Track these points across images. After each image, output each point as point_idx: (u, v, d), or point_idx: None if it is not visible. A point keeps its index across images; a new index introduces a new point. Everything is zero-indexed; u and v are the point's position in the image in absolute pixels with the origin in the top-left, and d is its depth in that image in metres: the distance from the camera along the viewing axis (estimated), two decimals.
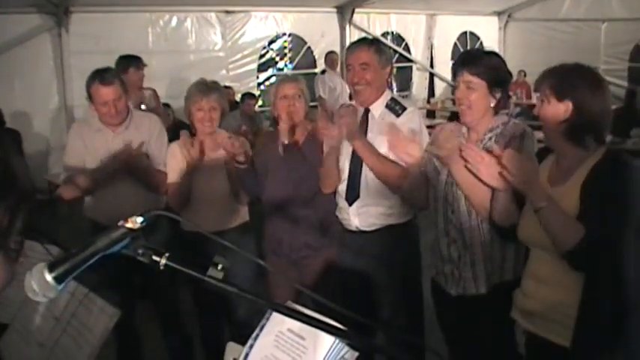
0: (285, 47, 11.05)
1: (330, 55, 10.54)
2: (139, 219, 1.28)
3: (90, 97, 3.95)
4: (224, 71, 9.57)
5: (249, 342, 1.82)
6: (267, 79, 10.75)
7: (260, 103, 9.96)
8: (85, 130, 4.05)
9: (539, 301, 2.66)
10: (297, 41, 11.08)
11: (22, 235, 1.19)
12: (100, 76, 3.90)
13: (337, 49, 10.76)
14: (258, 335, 1.84)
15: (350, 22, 10.71)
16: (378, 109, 3.63)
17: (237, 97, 8.96)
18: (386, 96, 3.68)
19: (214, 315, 4.05)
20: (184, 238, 3.94)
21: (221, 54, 9.92)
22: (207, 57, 9.61)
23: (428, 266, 3.45)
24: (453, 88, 3.15)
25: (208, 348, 4.12)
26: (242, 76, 10.14)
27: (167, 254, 1.30)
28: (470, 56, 3.13)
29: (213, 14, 9.91)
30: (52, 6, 8.31)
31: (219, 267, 1.32)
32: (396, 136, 3.25)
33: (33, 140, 8.21)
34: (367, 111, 3.66)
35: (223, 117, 4.05)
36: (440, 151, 3.04)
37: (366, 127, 3.64)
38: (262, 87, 10.65)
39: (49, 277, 1.25)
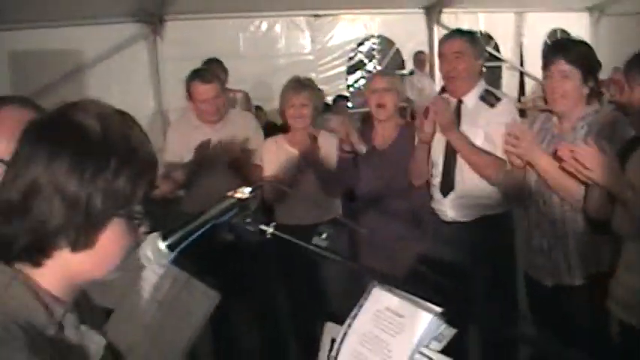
0: (374, 49, 11.06)
1: (418, 55, 10.44)
2: (247, 189, 1.32)
3: (189, 95, 4.08)
4: (313, 74, 9.64)
5: (348, 321, 1.84)
6: (357, 81, 10.77)
7: (350, 105, 10.00)
8: (184, 127, 4.20)
9: (633, 291, 2.60)
10: (386, 43, 11.06)
11: (145, 206, 1.24)
12: (199, 74, 4.04)
13: (425, 50, 10.67)
14: (356, 314, 1.86)
15: (438, 23, 10.60)
16: (471, 100, 3.60)
17: (327, 100, 9.04)
18: (479, 87, 3.64)
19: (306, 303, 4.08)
20: (280, 231, 4.00)
21: (310, 57, 10.02)
22: (296, 60, 9.71)
23: (522, 257, 3.41)
24: (544, 83, 3.09)
25: (301, 335, 4.18)
26: (331, 79, 10.18)
27: (274, 223, 1.34)
28: (563, 45, 3.09)
29: (302, 18, 10.01)
30: (147, 15, 8.60)
31: (324, 235, 1.35)
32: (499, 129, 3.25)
33: None
34: (460, 102, 3.63)
35: (317, 114, 4.11)
36: (518, 150, 3.01)
37: (459, 118, 3.62)
38: (351, 89, 10.68)
39: (162, 245, 1.32)
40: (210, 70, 4.18)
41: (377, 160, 3.87)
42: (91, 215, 1.15)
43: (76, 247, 1.17)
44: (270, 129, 5.13)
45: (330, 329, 1.90)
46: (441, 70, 3.75)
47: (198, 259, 2.57)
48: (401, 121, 3.95)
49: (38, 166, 1.13)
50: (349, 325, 1.86)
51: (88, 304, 1.47)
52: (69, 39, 7.94)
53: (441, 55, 3.67)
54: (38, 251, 1.17)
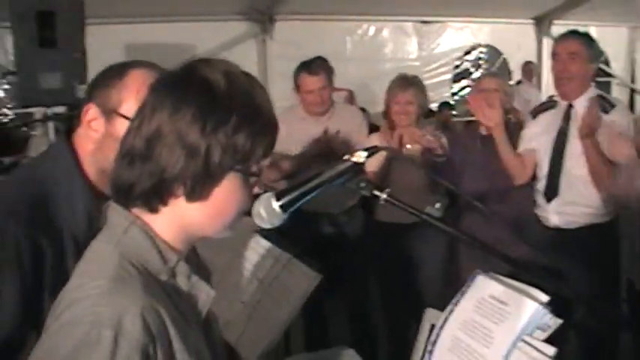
0: (481, 58, 10.88)
1: (527, 65, 10.20)
2: (364, 153, 1.33)
3: (296, 86, 4.16)
4: None
5: (449, 307, 1.83)
6: (462, 89, 10.64)
7: (455, 113, 9.90)
8: (290, 118, 4.26)
9: None
10: (492, 52, 10.86)
11: (262, 165, 1.27)
12: (307, 66, 4.11)
13: (534, 61, 10.43)
14: (458, 301, 1.84)
15: (547, 34, 10.35)
16: (582, 104, 3.50)
17: (432, 106, 9.01)
18: (591, 92, 3.55)
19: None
20: (379, 229, 4.02)
21: (416, 63, 9.94)
22: (402, 66, 9.58)
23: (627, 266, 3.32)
24: None
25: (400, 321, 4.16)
26: (436, 86, 10.07)
27: (388, 189, 1.35)
28: None
29: (409, 24, 9.97)
30: (258, 14, 8.78)
31: (437, 205, 1.34)
32: (613, 135, 3.15)
33: None
34: (570, 106, 3.54)
35: (422, 112, 4.09)
36: None
37: (568, 123, 3.53)
38: (456, 97, 10.56)
39: (275, 205, 1.34)
40: (318, 63, 4.23)
41: (482, 158, 3.83)
42: (209, 167, 1.18)
43: (191, 196, 1.21)
44: (372, 131, 5.14)
45: (430, 315, 1.90)
46: (553, 70, 3.65)
47: (300, 249, 2.62)
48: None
49: (163, 115, 1.18)
50: (450, 312, 1.84)
51: (198, 261, 1.51)
52: (182, 34, 8.16)
53: (554, 55, 3.59)
54: (156, 197, 1.22)
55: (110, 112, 1.67)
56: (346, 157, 1.35)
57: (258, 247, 2.74)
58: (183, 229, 1.27)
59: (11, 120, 7.95)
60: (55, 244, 1.59)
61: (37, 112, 4.39)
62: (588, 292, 3.43)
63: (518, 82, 10.23)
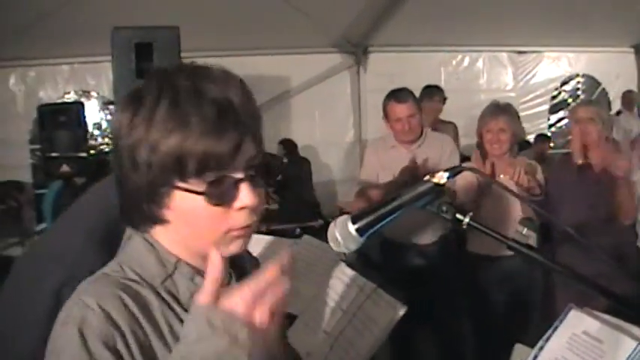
0: (578, 88, 10.56)
1: (627, 95, 9.82)
2: (445, 174, 1.27)
3: (385, 115, 4.15)
4: None
5: (540, 343, 1.75)
6: (559, 120, 10.34)
7: (552, 145, 9.62)
8: (381, 147, 4.25)
9: None
10: (591, 82, 10.52)
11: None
12: (395, 94, 4.11)
13: (634, 89, 10.05)
14: (550, 336, 1.76)
15: None
16: None
17: (528, 138, 8.80)
18: None
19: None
20: (471, 260, 3.93)
21: (512, 94, 9.73)
22: (498, 97, 9.25)
23: None
24: None
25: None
26: (533, 117, 9.87)
27: (471, 213, 1.28)
28: None
29: (505, 54, 9.82)
30: (351, 46, 8.85)
31: (524, 231, 1.27)
32: None
33: (325, 169, 8.86)
34: None
35: (515, 141, 3.98)
36: None
37: None
38: (553, 129, 10.27)
39: (352, 229, 1.29)
40: (406, 92, 4.20)
41: (579, 188, 3.69)
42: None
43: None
44: (464, 161, 5.04)
45: (519, 351, 1.82)
46: None
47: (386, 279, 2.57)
48: (608, 152, 3.73)
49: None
50: (540, 348, 1.76)
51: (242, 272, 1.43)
52: (277, 66, 8.35)
53: None
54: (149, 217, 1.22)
55: None
56: (427, 178, 1.29)
57: (343, 276, 2.71)
58: (179, 244, 1.25)
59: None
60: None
61: None
62: None
63: (618, 113, 9.88)
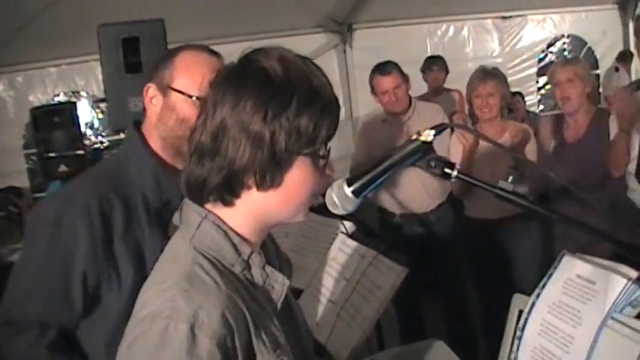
0: (565, 49, 10.59)
1: (623, 53, 9.89)
2: (432, 132, 1.33)
3: (372, 90, 4.21)
4: None
5: (536, 291, 1.81)
6: (547, 83, 10.36)
7: (541, 107, 9.66)
8: (372, 122, 4.32)
9: None
10: (577, 42, 10.55)
11: (329, 147, 1.29)
12: (379, 68, 4.18)
13: (620, 48, 10.06)
14: (545, 284, 1.82)
15: (633, 18, 9.97)
16: None
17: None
18: None
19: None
20: (470, 225, 3.99)
21: (499, 60, 9.75)
22: (485, 64, 9.41)
23: None
24: None
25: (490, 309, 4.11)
26: (521, 82, 9.87)
27: (458, 166, 1.34)
28: None
29: (489, 21, 9.81)
30: (336, 25, 8.83)
31: (510, 179, 1.33)
32: None
33: None
34: None
35: (505, 104, 4.03)
36: None
37: None
38: (543, 91, 10.31)
39: (348, 191, 1.36)
40: (390, 64, 4.26)
41: (568, 155, 3.73)
42: (276, 154, 1.21)
43: (263, 185, 1.24)
44: None
45: (517, 300, 1.88)
46: (638, 48, 3.52)
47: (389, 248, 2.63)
48: (592, 108, 3.76)
49: (225, 108, 1.22)
50: (538, 295, 1.82)
51: (276, 250, 1.54)
52: None
53: (638, 32, 3.46)
54: (228, 191, 1.25)
55: (165, 88, 1.90)
56: (414, 137, 1.35)
57: (345, 247, 2.78)
58: (258, 219, 1.30)
59: (106, 147, 8.32)
60: (125, 199, 1.83)
61: None
62: None
63: (617, 69, 9.92)
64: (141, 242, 1.81)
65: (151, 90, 1.93)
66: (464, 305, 4.32)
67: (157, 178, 1.89)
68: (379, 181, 1.35)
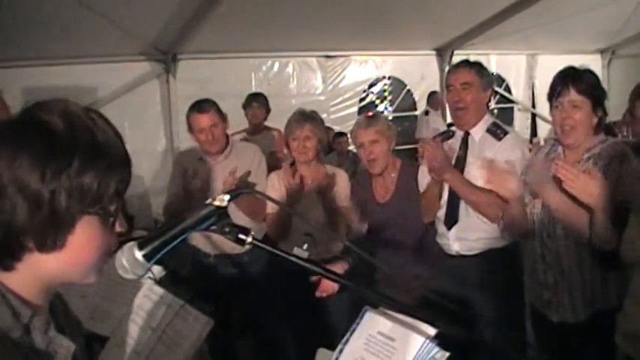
0: (385, 90, 11.08)
1: (433, 96, 10.52)
2: (226, 197, 1.29)
3: (189, 127, 4.13)
4: (325, 115, 9.60)
5: (339, 346, 1.83)
6: None
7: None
8: (188, 158, 4.22)
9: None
10: (397, 84, 11.10)
11: (118, 204, 1.21)
12: (196, 106, 4.12)
13: (437, 91, 10.71)
14: (348, 340, 1.83)
15: (449, 64, 10.63)
16: (478, 132, 3.56)
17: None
18: (487, 120, 3.60)
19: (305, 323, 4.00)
20: (280, 266, 3.98)
21: (322, 98, 10.06)
22: (308, 100, 9.65)
23: (528, 290, 3.35)
24: (552, 114, 3.01)
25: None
26: (343, 119, 10.20)
27: (252, 233, 1.31)
28: (574, 74, 2.98)
29: (314, 59, 10.09)
30: (160, 54, 8.66)
31: (305, 246, 1.31)
32: (492, 172, 3.16)
33: (138, 181, 8.53)
34: (467, 134, 3.59)
35: (321, 147, 4.08)
36: (532, 186, 2.98)
37: (466, 151, 3.57)
38: None
39: (138, 255, 1.28)
40: (208, 102, 4.20)
41: (381, 215, 3.85)
42: (57, 214, 1.12)
43: (44, 247, 1.14)
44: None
45: (321, 356, 1.87)
46: (448, 101, 3.70)
47: (201, 291, 2.55)
48: (397, 162, 3.90)
49: (1, 166, 1.11)
50: (340, 351, 1.83)
51: (64, 309, 1.43)
52: (83, 76, 7.97)
53: (448, 87, 3.62)
54: (7, 254, 1.15)
55: None
56: (209, 201, 1.30)
57: (151, 295, 2.68)
58: (42, 282, 1.20)
59: None
60: None
61: None
62: (495, 317, 3.45)
63: (427, 112, 10.48)
64: None
65: None
66: (278, 350, 4.29)
67: None
68: (172, 245, 1.28)
